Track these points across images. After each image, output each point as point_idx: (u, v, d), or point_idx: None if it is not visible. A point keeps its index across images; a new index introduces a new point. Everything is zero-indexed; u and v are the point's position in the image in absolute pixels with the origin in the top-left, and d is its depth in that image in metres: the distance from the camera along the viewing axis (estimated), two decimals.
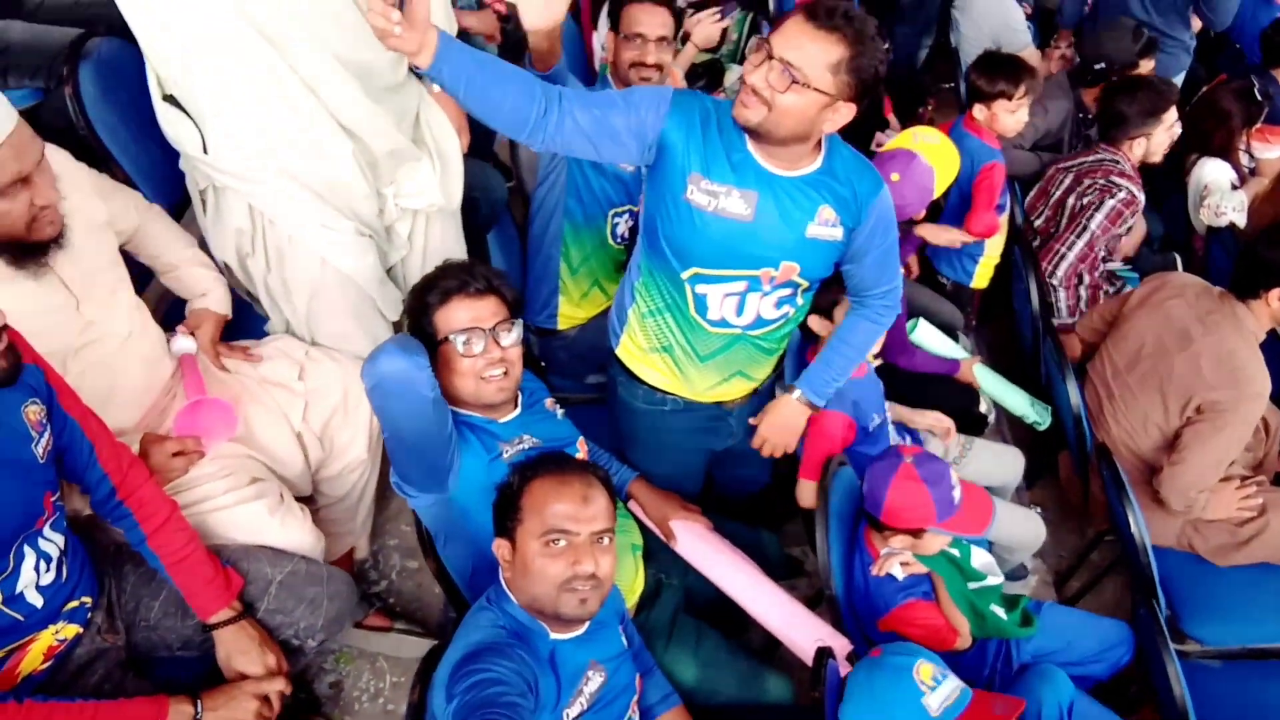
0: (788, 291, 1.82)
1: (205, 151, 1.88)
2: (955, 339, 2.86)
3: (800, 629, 1.98)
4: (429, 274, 1.82)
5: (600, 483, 1.60)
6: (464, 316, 1.74)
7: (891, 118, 3.87)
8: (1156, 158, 3.01)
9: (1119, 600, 2.71)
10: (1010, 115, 2.85)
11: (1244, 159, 3.49)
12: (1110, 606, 2.66)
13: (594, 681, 1.61)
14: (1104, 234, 2.91)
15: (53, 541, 1.51)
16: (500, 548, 1.59)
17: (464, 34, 2.98)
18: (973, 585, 2.02)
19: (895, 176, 2.42)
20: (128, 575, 1.69)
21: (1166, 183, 3.51)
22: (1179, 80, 3.87)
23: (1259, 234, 2.49)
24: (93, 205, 1.76)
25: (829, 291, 2.02)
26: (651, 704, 1.80)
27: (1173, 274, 2.65)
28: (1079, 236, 2.92)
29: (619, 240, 2.52)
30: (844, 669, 1.73)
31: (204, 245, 2.12)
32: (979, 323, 3.42)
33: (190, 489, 1.80)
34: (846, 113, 1.61)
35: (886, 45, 1.69)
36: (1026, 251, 2.97)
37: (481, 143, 2.80)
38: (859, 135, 3.04)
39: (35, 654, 1.52)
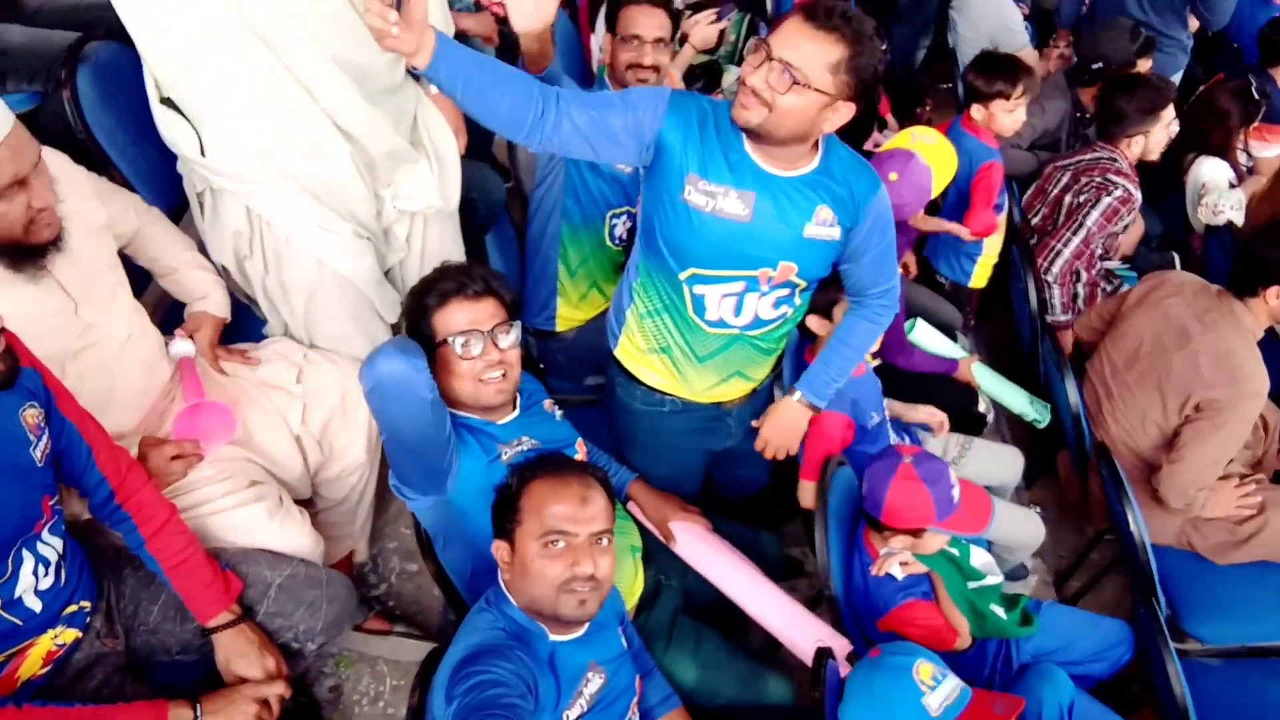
0: (785, 292, 1.82)
1: (203, 154, 1.88)
2: (954, 338, 2.86)
3: (800, 630, 1.97)
4: (427, 276, 1.82)
5: (599, 484, 1.60)
6: (462, 319, 1.74)
7: (889, 118, 3.87)
8: (1154, 156, 3.02)
9: (1119, 599, 2.70)
10: (1008, 115, 2.85)
11: (1242, 158, 3.50)
12: (1110, 606, 2.66)
13: (594, 683, 1.60)
14: (1100, 231, 2.91)
15: (51, 546, 1.51)
16: (499, 549, 1.59)
17: (462, 36, 2.99)
18: (972, 585, 2.02)
19: (893, 176, 2.43)
20: (127, 579, 1.69)
21: (1164, 182, 3.52)
22: (1176, 79, 3.88)
23: (1256, 232, 2.50)
24: (91, 208, 1.76)
25: (827, 291, 2.02)
26: (651, 705, 1.80)
27: (1171, 272, 2.66)
28: (1075, 233, 2.92)
29: (617, 241, 2.52)
30: (844, 669, 1.73)
31: (202, 248, 2.12)
32: (977, 322, 3.42)
33: (189, 492, 1.79)
34: (846, 112, 1.62)
35: (884, 46, 1.69)
36: (1025, 251, 2.97)
37: (479, 144, 2.81)
38: (854, 135, 3.04)
39: (34, 659, 1.51)
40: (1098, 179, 2.91)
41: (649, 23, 2.36)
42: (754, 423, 2.11)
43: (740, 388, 2.04)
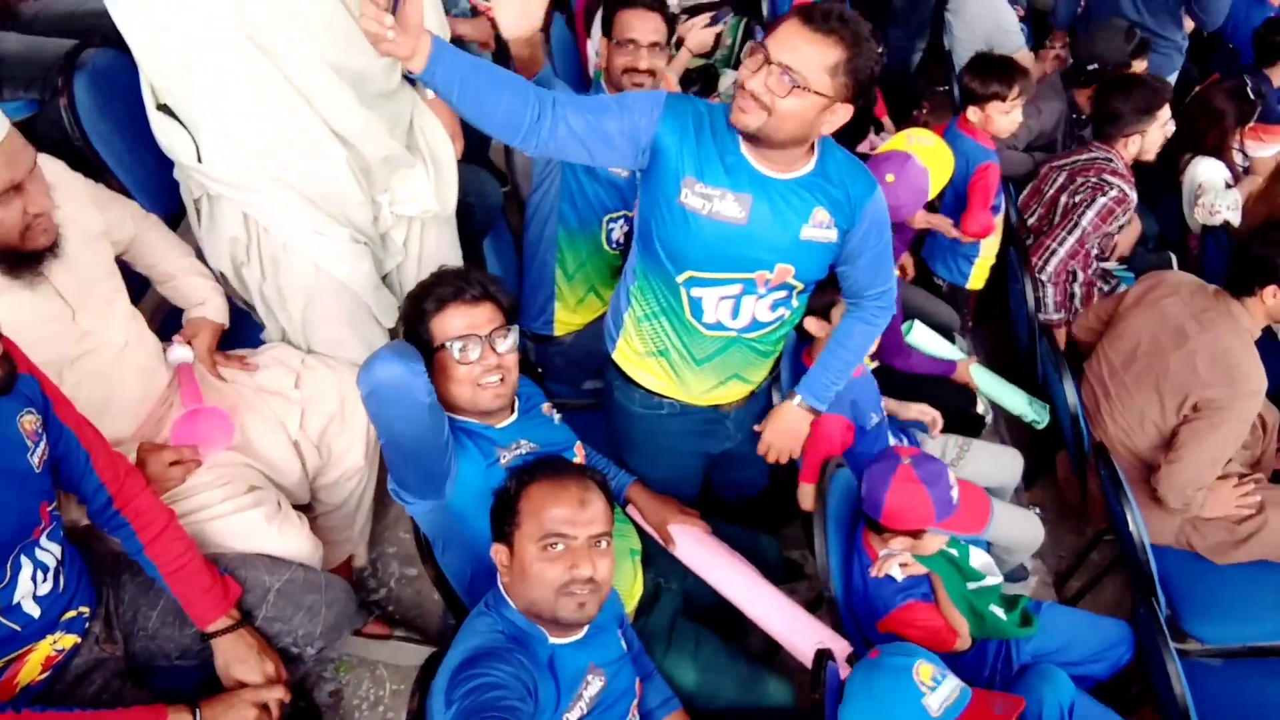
0: (783, 294, 1.82)
1: (199, 160, 1.88)
2: (951, 340, 2.86)
3: (800, 632, 1.97)
4: (424, 281, 1.82)
5: (597, 486, 1.60)
6: (460, 323, 1.74)
7: (886, 120, 3.88)
8: (1150, 155, 3.03)
9: (1119, 600, 2.70)
10: (1004, 116, 2.86)
11: (1238, 158, 3.50)
12: (1110, 606, 2.66)
13: (594, 686, 1.60)
14: (1095, 231, 2.92)
15: (49, 551, 1.51)
16: (498, 553, 1.59)
17: (459, 41, 2.99)
18: (972, 585, 2.02)
19: (890, 178, 2.43)
20: (125, 585, 1.69)
21: (1161, 182, 3.52)
22: (1172, 80, 3.89)
23: (1253, 232, 2.51)
24: (89, 215, 1.77)
25: (825, 293, 2.02)
26: (651, 708, 1.80)
27: (1168, 272, 2.66)
28: (1070, 233, 2.93)
29: (614, 245, 2.52)
30: (844, 671, 1.73)
31: (200, 255, 2.12)
32: (975, 324, 3.42)
33: (187, 498, 1.79)
34: (844, 114, 1.62)
35: (880, 49, 1.69)
36: (1022, 252, 2.98)
37: (476, 148, 2.80)
38: (849, 137, 3.05)
39: (33, 664, 1.51)
40: (1093, 179, 2.92)
41: (644, 27, 2.36)
42: (756, 427, 2.11)
43: (738, 390, 2.04)
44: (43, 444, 1.47)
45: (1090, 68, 3.42)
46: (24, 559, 1.46)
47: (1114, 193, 2.88)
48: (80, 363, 1.73)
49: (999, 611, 2.01)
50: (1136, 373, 2.48)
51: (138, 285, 2.04)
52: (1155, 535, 2.40)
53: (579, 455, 1.95)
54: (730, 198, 1.67)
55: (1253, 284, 2.33)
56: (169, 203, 2.19)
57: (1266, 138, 3.55)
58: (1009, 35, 4.12)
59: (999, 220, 2.98)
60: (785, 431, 2.07)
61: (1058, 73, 3.71)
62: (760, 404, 2.16)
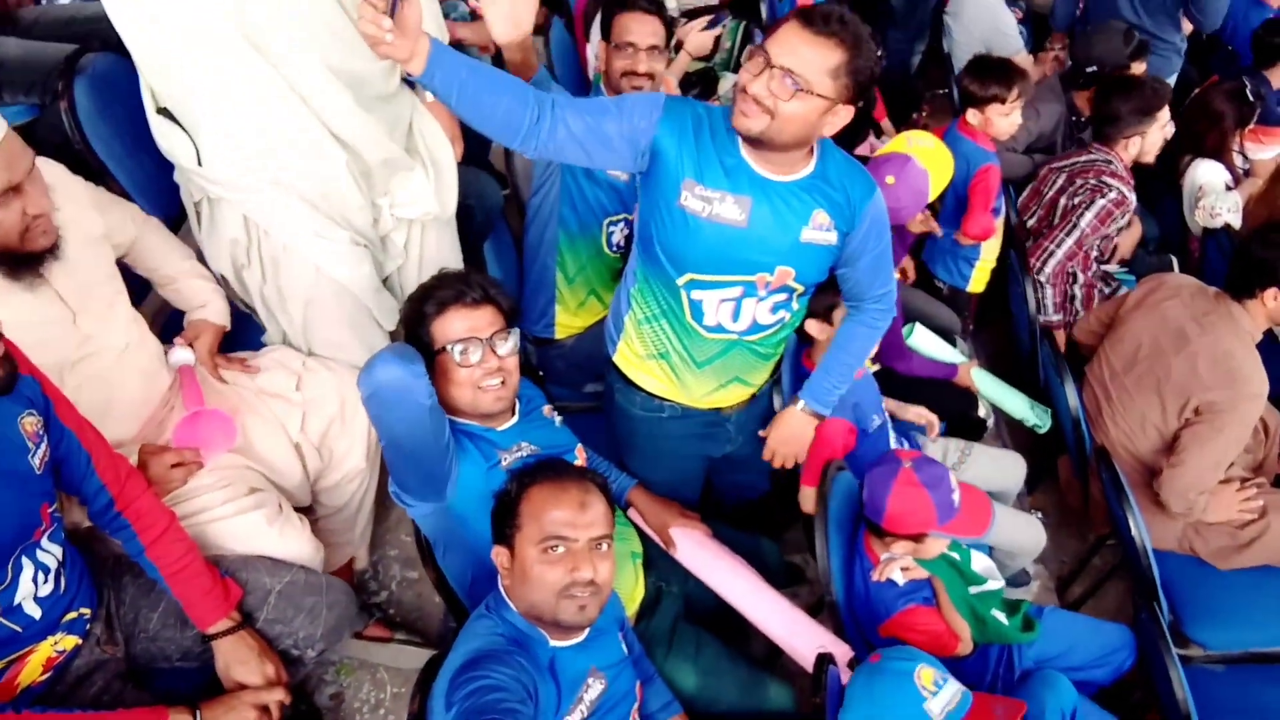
0: (783, 296, 1.82)
1: (199, 163, 1.88)
2: (953, 343, 2.86)
3: (801, 636, 1.97)
4: (425, 283, 1.83)
5: (598, 489, 1.60)
6: (461, 326, 1.74)
7: (886, 123, 3.88)
8: (1150, 158, 3.03)
9: (1121, 605, 2.70)
10: (1004, 118, 2.86)
11: (1237, 160, 3.51)
12: (1112, 611, 2.66)
13: (594, 689, 1.60)
14: (1093, 233, 2.92)
15: (51, 553, 1.51)
16: (499, 555, 1.59)
17: (458, 45, 2.99)
18: (973, 589, 2.02)
19: (890, 180, 2.43)
20: (126, 586, 1.69)
21: (1161, 185, 3.53)
22: (1171, 82, 3.89)
23: (1253, 234, 2.50)
24: (89, 218, 1.77)
25: (826, 295, 2.02)
26: (652, 712, 1.79)
27: (1168, 275, 2.66)
28: (1068, 235, 2.94)
29: (614, 249, 2.52)
30: (845, 675, 1.73)
31: (200, 258, 2.12)
32: (976, 327, 3.42)
33: (189, 500, 1.80)
34: (845, 115, 1.62)
35: (880, 52, 1.70)
36: (1022, 255, 2.98)
37: (477, 151, 2.81)
38: (848, 139, 3.05)
39: (34, 665, 1.51)
40: (1092, 181, 2.92)
41: (643, 30, 2.36)
42: (761, 433, 2.11)
43: (739, 393, 2.04)
44: (44, 445, 1.47)
45: (1089, 70, 3.43)
46: (25, 560, 1.46)
47: (1113, 195, 2.88)
48: (81, 366, 1.73)
49: (1001, 616, 2.01)
50: (1138, 376, 2.48)
51: (139, 288, 2.04)
52: (1157, 540, 2.40)
53: (580, 458, 1.94)
54: (730, 200, 1.67)
55: (1253, 286, 2.33)
56: (169, 206, 2.19)
57: (1266, 140, 3.55)
58: (1007, 38, 4.13)
59: (999, 223, 2.98)
60: (790, 437, 2.07)
61: (1056, 75, 3.72)
62: (761, 407, 2.16)
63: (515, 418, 1.87)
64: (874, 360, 2.35)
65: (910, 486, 1.88)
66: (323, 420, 2.05)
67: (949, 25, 4.28)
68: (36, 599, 1.49)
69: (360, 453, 2.12)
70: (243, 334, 2.19)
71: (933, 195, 2.55)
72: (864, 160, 2.12)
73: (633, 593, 1.96)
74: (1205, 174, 3.35)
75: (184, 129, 1.87)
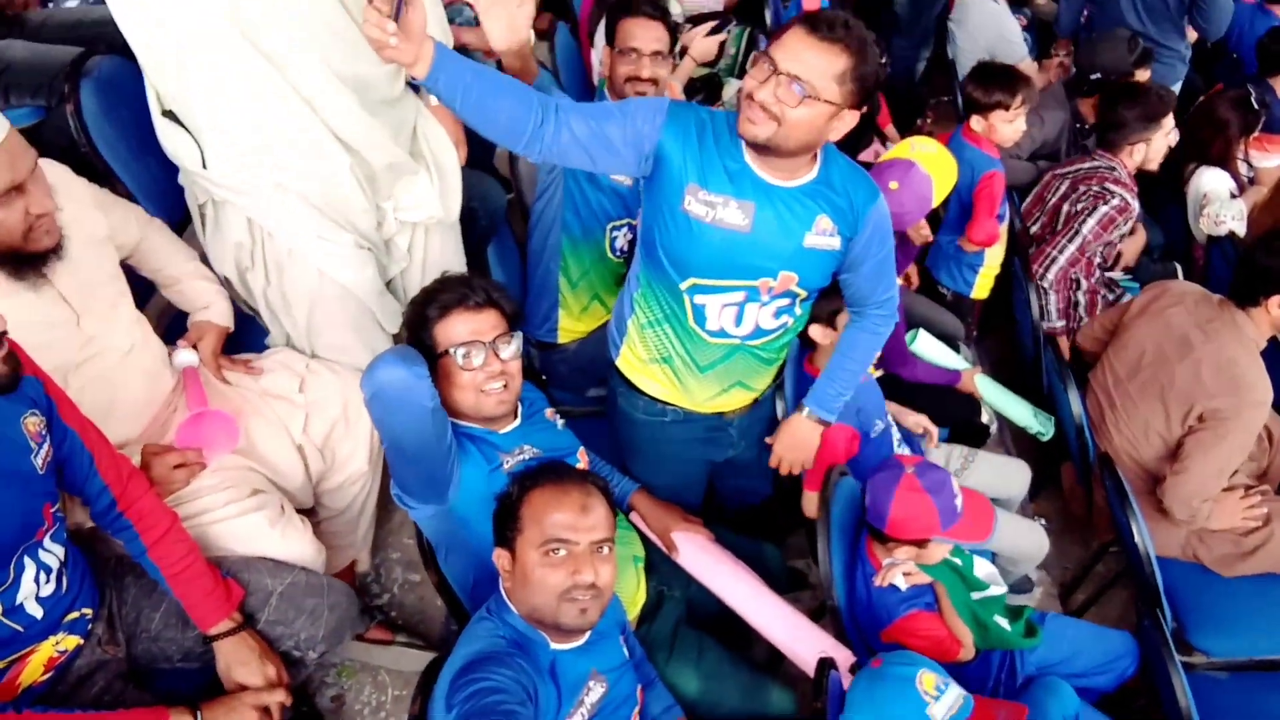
0: (786, 301, 1.82)
1: (204, 166, 1.89)
2: (956, 350, 2.86)
3: (803, 641, 1.96)
4: (428, 287, 1.83)
5: (599, 492, 1.60)
6: (463, 330, 1.75)
7: (890, 129, 3.88)
8: (1153, 165, 3.03)
9: (1124, 612, 2.69)
10: (1008, 125, 2.86)
11: (1242, 168, 3.50)
12: (1115, 618, 2.65)
13: (595, 692, 1.60)
14: (1096, 239, 2.92)
15: (53, 553, 1.51)
16: (500, 558, 1.59)
17: (463, 50, 3.00)
18: (976, 595, 2.01)
19: (894, 185, 2.43)
20: (128, 587, 1.69)
21: (1165, 192, 3.52)
22: (1176, 90, 3.89)
23: (1257, 242, 2.50)
24: (93, 218, 1.77)
25: (830, 300, 2.02)
26: (653, 716, 1.79)
27: (1172, 282, 2.66)
28: (1071, 241, 2.94)
29: (618, 254, 2.53)
30: (846, 680, 1.72)
31: (204, 260, 2.13)
32: (980, 333, 3.42)
33: (191, 501, 1.80)
34: (850, 120, 1.63)
35: (884, 59, 1.70)
36: (1025, 261, 2.98)
37: (481, 155, 2.82)
38: (850, 145, 3.06)
39: (35, 665, 1.51)
40: (1095, 188, 2.92)
41: (646, 35, 2.37)
42: (768, 439, 2.11)
43: (742, 398, 2.04)
44: (46, 445, 1.47)
45: (1093, 77, 3.43)
46: (27, 560, 1.46)
47: (1116, 201, 2.88)
48: (85, 367, 1.73)
49: (1003, 622, 2.01)
50: (1141, 383, 2.48)
51: (143, 290, 2.05)
52: (1161, 547, 2.39)
53: (582, 461, 1.95)
54: (733, 205, 1.68)
55: (1258, 294, 2.32)
56: (174, 209, 2.20)
57: (1271, 148, 3.54)
58: (1012, 45, 4.13)
59: (1003, 229, 2.98)
60: (796, 444, 2.06)
61: (1061, 82, 3.72)
62: (764, 411, 2.16)
63: (517, 421, 1.87)
64: (877, 366, 2.35)
65: (913, 492, 1.88)
66: (326, 422, 2.05)
67: (953, 32, 4.29)
68: (38, 599, 1.49)
69: (363, 455, 2.12)
70: (246, 336, 2.20)
71: (936, 201, 2.55)
72: (868, 166, 2.12)
73: (634, 596, 1.96)
74: (1210, 182, 3.34)
75: (189, 131, 1.88)
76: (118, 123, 2.17)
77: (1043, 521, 2.82)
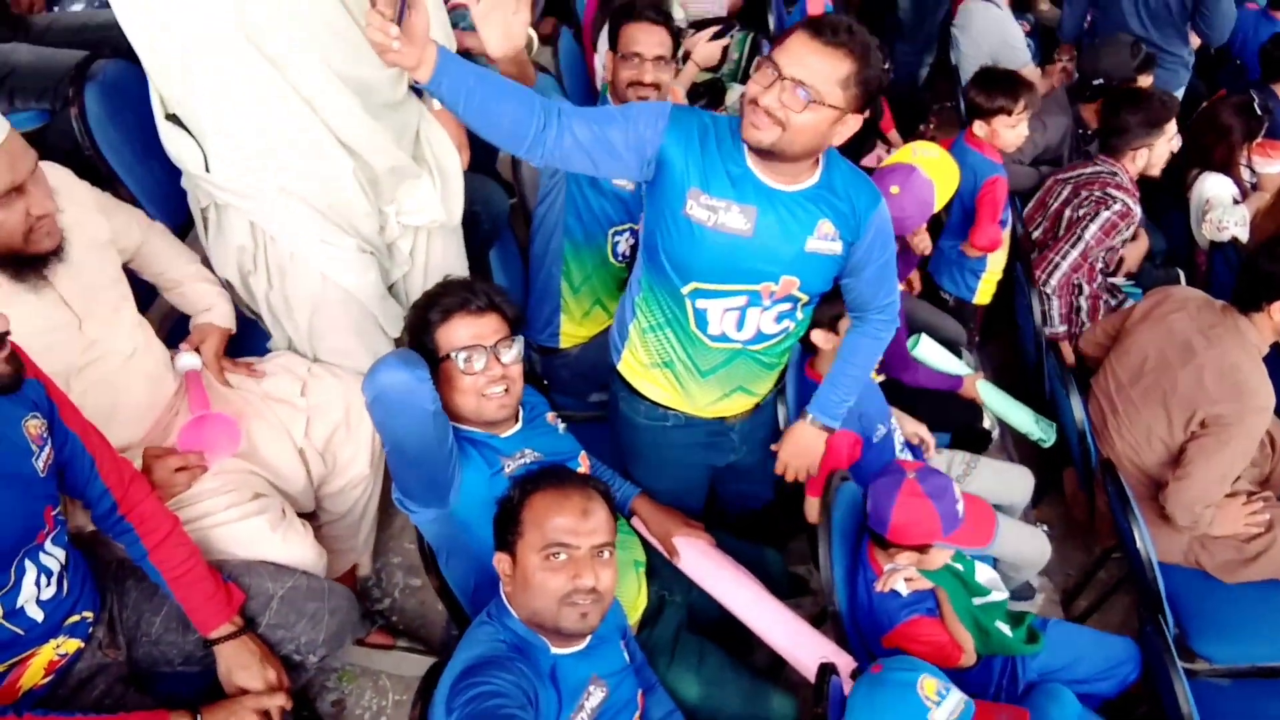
0: (788, 306, 1.82)
1: (207, 170, 1.89)
2: (958, 355, 2.85)
3: (804, 646, 1.96)
4: (430, 291, 1.83)
5: (600, 496, 1.60)
6: (465, 334, 1.75)
7: (893, 134, 3.89)
8: (1156, 170, 3.03)
9: (1126, 618, 2.68)
10: (1011, 130, 2.87)
11: (1245, 174, 3.50)
12: (1117, 624, 2.64)
13: (595, 696, 1.60)
14: (1098, 245, 2.92)
15: (54, 556, 1.51)
16: (501, 562, 1.59)
17: (466, 54, 3.00)
18: (977, 601, 2.01)
19: (895, 190, 2.43)
20: (129, 590, 1.69)
21: (1168, 198, 3.52)
22: (1178, 95, 3.89)
23: (1260, 247, 2.50)
24: (95, 221, 1.77)
25: (832, 305, 2.02)
26: None
27: (1175, 288, 2.66)
28: (1073, 246, 2.93)
29: (619, 258, 2.53)
30: (847, 686, 1.72)
31: (206, 263, 2.13)
32: (982, 339, 3.41)
33: (192, 504, 1.80)
34: (854, 124, 1.63)
35: (888, 64, 1.69)
36: (1028, 267, 2.97)
37: (484, 160, 2.82)
38: (853, 149, 3.05)
39: (36, 668, 1.51)
40: (1097, 193, 2.92)
41: (649, 40, 2.37)
42: (773, 446, 2.11)
43: (743, 402, 2.04)
44: (48, 448, 1.47)
45: (1096, 82, 3.44)
46: (28, 563, 1.46)
47: (1118, 206, 2.88)
48: (87, 371, 1.73)
49: (1004, 627, 2.00)
50: (1144, 388, 2.47)
51: (145, 293, 2.05)
52: (1163, 553, 2.39)
53: (583, 465, 1.95)
54: (735, 209, 1.68)
55: (1260, 300, 2.32)
56: (178, 213, 2.21)
57: (1274, 153, 3.54)
58: (1015, 50, 4.13)
59: (1006, 234, 2.98)
60: (801, 450, 2.06)
61: (1063, 88, 3.73)
62: (766, 416, 2.16)
63: (519, 425, 1.87)
64: (879, 371, 2.35)
65: (915, 497, 1.87)
66: (327, 426, 2.05)
67: (957, 38, 4.29)
68: (39, 602, 1.49)
69: (364, 459, 2.12)
70: (248, 340, 2.20)
71: (938, 206, 2.56)
72: (871, 171, 2.12)
73: (635, 601, 1.96)
74: (1212, 187, 3.34)
75: (192, 135, 1.88)
76: (122, 126, 2.17)
77: (1044, 527, 2.82)
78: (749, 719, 1.92)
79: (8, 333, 1.32)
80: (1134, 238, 3.20)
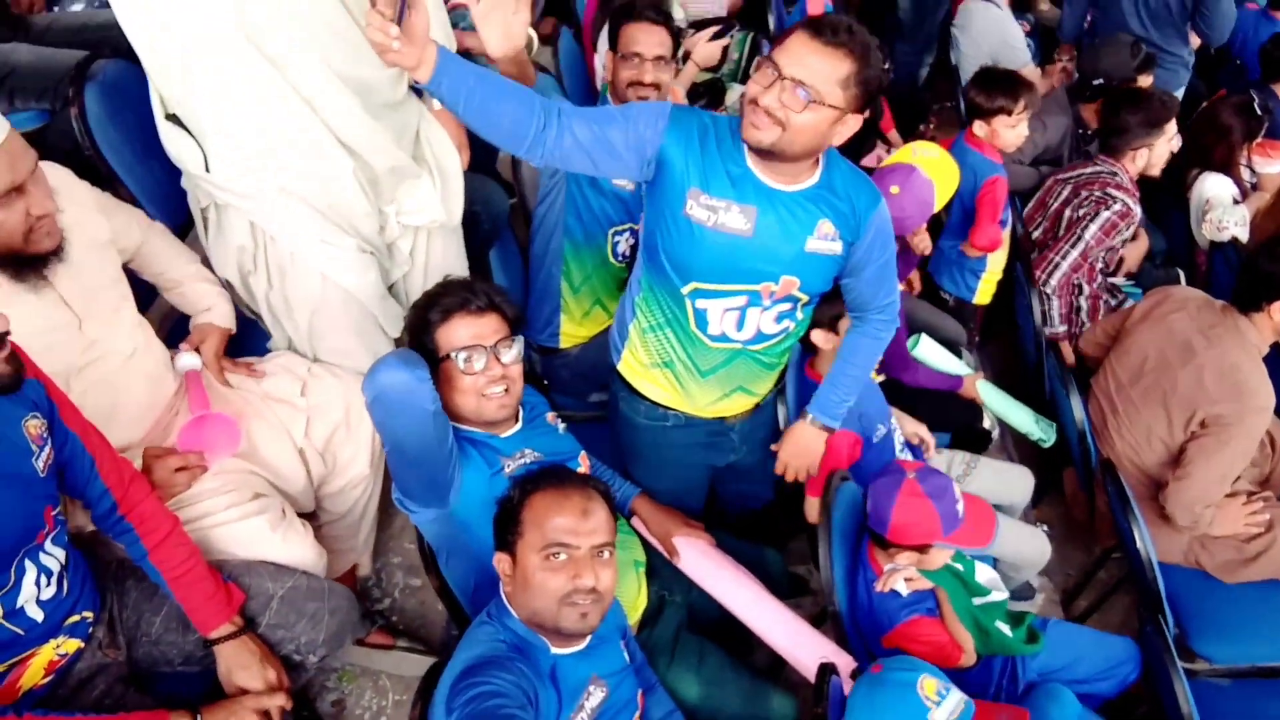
0: (788, 306, 1.82)
1: (207, 170, 1.89)
2: (958, 355, 2.85)
3: (804, 646, 1.96)
4: (430, 291, 1.83)
5: (600, 496, 1.60)
6: (465, 334, 1.75)
7: (893, 134, 3.89)
8: (1156, 171, 3.03)
9: (1126, 618, 2.68)
10: (1011, 130, 2.87)
11: (1245, 174, 3.50)
12: (1117, 624, 2.64)
13: (595, 696, 1.60)
14: (1098, 245, 2.92)
15: (54, 556, 1.51)
16: (501, 562, 1.59)
17: (467, 54, 3.00)
18: (977, 601, 2.01)
19: (895, 190, 2.43)
20: (129, 590, 1.69)
21: (1168, 198, 3.53)
22: (1179, 96, 3.89)
23: (1260, 247, 2.50)
24: (95, 221, 1.77)
25: (832, 305, 2.02)
26: None
27: (1175, 288, 2.66)
28: (1073, 247, 2.94)
29: (619, 258, 2.53)
30: (847, 686, 1.72)
31: (206, 263, 2.13)
32: (982, 339, 3.41)
33: (192, 504, 1.80)
34: (854, 124, 1.63)
35: (888, 64, 1.69)
36: (1028, 267, 2.97)
37: (484, 159, 2.82)
38: (852, 149, 3.05)
39: (36, 668, 1.52)
40: (1097, 193, 2.92)
41: (649, 40, 2.37)
42: (773, 446, 2.11)
43: (743, 402, 2.04)
44: (48, 448, 1.47)
45: (1096, 82, 3.44)
46: (28, 563, 1.46)
47: (1118, 207, 2.88)
48: (87, 371, 1.73)
49: (1004, 627, 2.00)
50: (1144, 388, 2.47)
51: (145, 293, 2.05)
52: (1163, 553, 2.39)
53: (583, 465, 1.95)
54: (735, 209, 1.68)
55: (1260, 300, 2.32)
56: (178, 213, 2.21)
57: (1274, 153, 3.54)
58: (1015, 50, 4.13)
59: (1006, 234, 2.98)
60: (801, 450, 2.06)
61: (1063, 88, 3.73)
62: (766, 416, 2.16)
63: (519, 425, 1.87)
64: (879, 371, 2.35)
65: (915, 497, 1.87)
66: (327, 426, 2.05)
67: (957, 38, 4.29)
68: (39, 602, 1.49)
69: (364, 459, 2.12)
70: (248, 340, 2.20)
71: (938, 206, 2.56)
72: (871, 171, 2.12)
73: (635, 601, 1.96)
74: (1212, 187, 3.34)
75: (192, 135, 1.88)
76: (122, 126, 2.18)
77: (1044, 527, 2.82)
78: (749, 719, 1.92)
79: (8, 333, 1.32)
80: (1134, 238, 3.20)
